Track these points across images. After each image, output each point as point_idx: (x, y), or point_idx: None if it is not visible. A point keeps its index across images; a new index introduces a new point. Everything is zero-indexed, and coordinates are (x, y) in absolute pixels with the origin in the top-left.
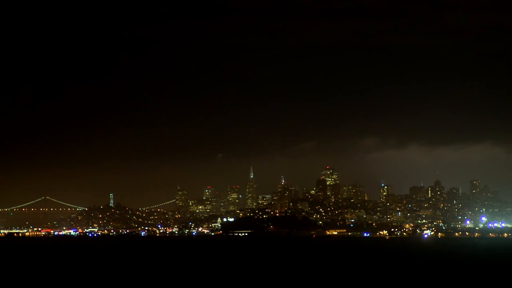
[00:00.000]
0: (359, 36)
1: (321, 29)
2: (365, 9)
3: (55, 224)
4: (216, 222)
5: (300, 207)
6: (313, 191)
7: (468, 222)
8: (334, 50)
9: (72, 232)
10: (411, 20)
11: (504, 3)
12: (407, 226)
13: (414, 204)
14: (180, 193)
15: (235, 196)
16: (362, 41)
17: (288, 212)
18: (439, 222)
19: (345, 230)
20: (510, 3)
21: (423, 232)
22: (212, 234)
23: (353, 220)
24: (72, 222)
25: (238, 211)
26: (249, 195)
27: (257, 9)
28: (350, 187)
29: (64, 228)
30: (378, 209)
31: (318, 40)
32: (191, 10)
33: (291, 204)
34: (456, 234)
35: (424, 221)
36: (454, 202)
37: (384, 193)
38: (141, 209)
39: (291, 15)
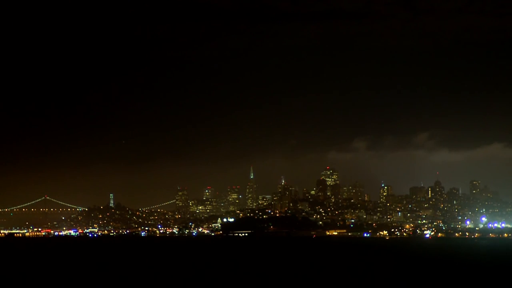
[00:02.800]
0: (337, 38)
1: (298, 31)
2: (341, 12)
3: (55, 224)
4: (216, 223)
5: (300, 207)
6: (313, 191)
7: (468, 222)
8: (315, 51)
9: (72, 232)
10: (387, 23)
11: (479, 5)
12: (407, 226)
13: (414, 204)
14: (180, 193)
15: (235, 196)
16: (340, 43)
17: (288, 212)
18: (439, 223)
19: (345, 231)
20: (484, 6)
21: (423, 232)
22: (212, 234)
23: (353, 220)
24: (72, 223)
25: (238, 211)
26: (249, 195)
27: (233, 12)
28: (350, 187)
29: (64, 228)
30: (378, 209)
31: (296, 42)
32: (171, 15)
33: (291, 204)
34: (456, 234)
35: (424, 221)
36: (454, 202)
37: (384, 193)
38: (141, 209)
39: (268, 18)
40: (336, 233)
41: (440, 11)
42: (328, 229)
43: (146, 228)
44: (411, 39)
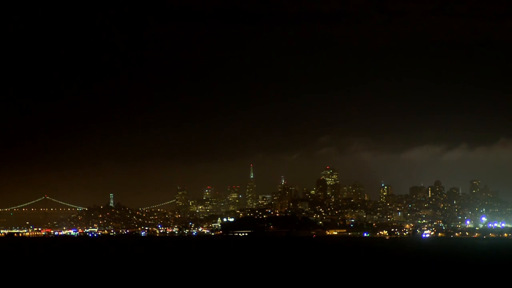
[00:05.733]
0: (315, 40)
1: (277, 33)
2: (316, 14)
3: (55, 224)
4: (216, 222)
5: (300, 207)
6: (313, 191)
7: (468, 222)
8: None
9: (72, 232)
10: (361, 25)
11: (453, 7)
12: (407, 226)
13: (414, 204)
14: (180, 193)
15: (235, 196)
16: (320, 44)
17: (288, 212)
18: (439, 222)
19: (345, 230)
20: (458, 7)
21: (423, 232)
22: (212, 234)
23: (353, 220)
24: (72, 222)
25: (238, 211)
26: (249, 195)
27: (211, 15)
28: (350, 187)
29: (64, 228)
30: (378, 209)
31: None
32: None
33: (291, 204)
34: (456, 234)
35: (424, 221)
36: (454, 202)
37: (384, 193)
38: (141, 209)
39: (245, 21)
40: (336, 233)
41: (413, 13)
42: (328, 229)
43: (146, 228)
44: (385, 41)
